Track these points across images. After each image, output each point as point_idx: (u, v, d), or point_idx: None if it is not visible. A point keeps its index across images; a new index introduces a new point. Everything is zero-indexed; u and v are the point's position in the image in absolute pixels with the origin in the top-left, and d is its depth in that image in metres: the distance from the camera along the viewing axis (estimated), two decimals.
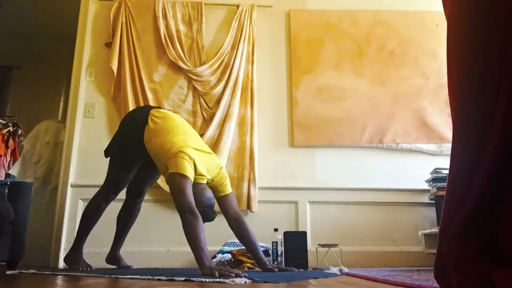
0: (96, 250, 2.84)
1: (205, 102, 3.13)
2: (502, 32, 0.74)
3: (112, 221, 2.91)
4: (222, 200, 2.23)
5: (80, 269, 2.21)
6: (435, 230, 2.65)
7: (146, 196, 2.97)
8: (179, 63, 3.14)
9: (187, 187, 1.91)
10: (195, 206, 1.89)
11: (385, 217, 3.05)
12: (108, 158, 2.36)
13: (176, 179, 1.93)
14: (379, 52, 3.35)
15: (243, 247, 2.62)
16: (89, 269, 2.23)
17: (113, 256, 2.46)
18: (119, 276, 1.79)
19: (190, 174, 1.95)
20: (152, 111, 2.24)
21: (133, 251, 2.86)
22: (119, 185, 2.35)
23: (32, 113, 4.25)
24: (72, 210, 2.92)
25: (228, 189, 2.24)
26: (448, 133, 3.14)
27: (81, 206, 2.94)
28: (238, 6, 3.35)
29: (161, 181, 2.94)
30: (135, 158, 2.31)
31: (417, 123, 3.20)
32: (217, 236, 2.85)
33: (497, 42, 0.75)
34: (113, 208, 2.93)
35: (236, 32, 3.28)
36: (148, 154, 2.20)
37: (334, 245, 2.72)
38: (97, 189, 2.95)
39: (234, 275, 1.67)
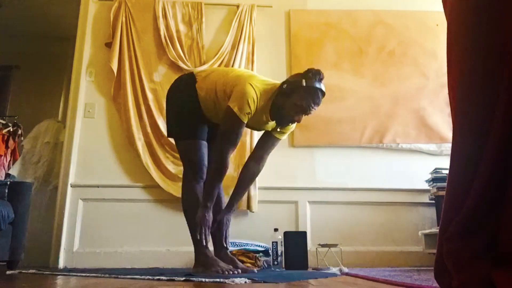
0: (96, 250, 2.85)
1: None
2: (503, 31, 0.74)
3: (113, 221, 2.92)
4: (269, 138, 2.16)
5: (226, 272, 1.83)
6: (435, 230, 2.65)
7: (146, 196, 2.98)
8: (179, 63, 3.14)
9: (233, 133, 1.91)
10: (228, 159, 1.91)
11: (385, 217, 3.04)
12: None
13: (231, 119, 1.89)
14: (379, 52, 3.35)
15: (243, 247, 2.63)
16: (234, 271, 1.86)
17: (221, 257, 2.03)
18: (119, 276, 1.79)
19: (246, 118, 1.90)
20: (195, 71, 2.22)
21: (133, 251, 2.86)
22: (198, 156, 2.05)
23: (32, 113, 4.25)
24: (72, 210, 2.92)
25: (284, 136, 2.19)
26: (448, 133, 3.13)
27: (81, 206, 2.95)
28: (238, 6, 3.35)
29: (161, 181, 2.94)
30: (199, 119, 2.11)
31: (417, 123, 3.20)
32: None
33: (498, 41, 0.75)
34: (115, 208, 2.95)
35: (236, 32, 3.28)
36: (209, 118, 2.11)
37: (334, 245, 2.71)
38: (97, 189, 2.98)
39: (227, 273, 1.70)
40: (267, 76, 3.25)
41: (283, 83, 1.98)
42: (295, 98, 1.93)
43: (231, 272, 1.83)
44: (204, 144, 2.08)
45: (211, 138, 2.11)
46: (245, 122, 1.92)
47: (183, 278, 1.58)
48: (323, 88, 1.95)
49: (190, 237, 2.00)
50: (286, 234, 2.62)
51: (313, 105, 1.95)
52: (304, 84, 1.91)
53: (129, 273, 1.97)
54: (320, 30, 3.38)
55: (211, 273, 1.83)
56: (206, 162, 2.05)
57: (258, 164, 2.18)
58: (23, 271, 2.15)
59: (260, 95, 1.93)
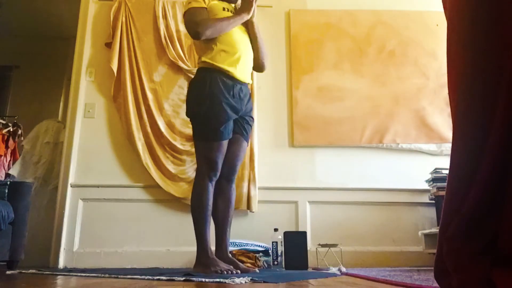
0: (96, 250, 2.85)
1: None
2: (502, 31, 0.74)
3: (113, 221, 2.92)
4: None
5: (225, 272, 1.83)
6: (435, 230, 2.65)
7: (146, 196, 2.98)
8: (179, 63, 3.14)
9: (198, 16, 2.04)
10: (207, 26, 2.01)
11: (385, 217, 3.04)
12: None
13: (188, 14, 2.07)
14: (379, 52, 3.35)
15: (243, 247, 2.63)
16: (234, 271, 1.86)
17: (224, 260, 2.02)
18: (119, 276, 1.79)
19: (200, 3, 2.08)
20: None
21: (133, 251, 2.86)
22: (218, 157, 2.05)
23: (32, 113, 4.25)
24: (72, 210, 2.92)
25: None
26: (448, 133, 3.13)
27: (81, 206, 2.95)
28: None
29: (161, 181, 2.94)
30: (226, 116, 2.05)
31: (417, 123, 3.20)
32: None
33: (497, 41, 0.75)
34: (115, 208, 2.95)
35: None
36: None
37: (334, 245, 2.71)
38: (97, 189, 2.98)
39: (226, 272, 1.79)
40: (267, 77, 3.28)
41: None
42: None
43: (230, 273, 1.83)
44: (226, 143, 2.07)
45: (235, 132, 2.12)
46: (199, 5, 2.08)
47: (183, 278, 1.58)
48: None
49: (192, 237, 2.01)
50: (286, 234, 2.62)
51: None
52: None
53: (129, 273, 1.97)
54: (320, 30, 3.38)
55: (210, 273, 1.84)
56: (222, 161, 2.05)
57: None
58: (23, 271, 2.15)
59: None
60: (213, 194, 2.04)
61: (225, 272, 1.82)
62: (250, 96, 2.23)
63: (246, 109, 2.16)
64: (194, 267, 1.97)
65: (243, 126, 2.15)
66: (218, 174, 2.04)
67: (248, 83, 2.18)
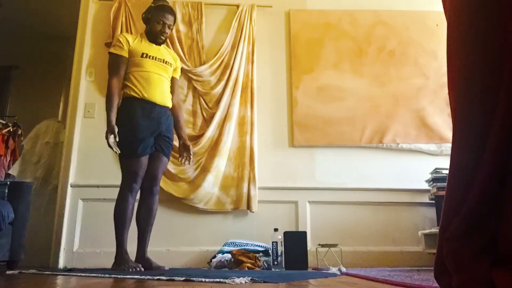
0: (96, 250, 2.85)
1: (205, 102, 3.13)
2: (502, 31, 0.74)
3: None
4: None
5: (131, 269, 2.14)
6: (435, 230, 2.65)
7: None
8: None
9: (114, 63, 2.34)
10: (117, 88, 2.30)
11: (385, 217, 3.05)
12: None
13: (109, 59, 2.36)
14: (379, 52, 3.35)
15: (243, 247, 2.63)
16: (138, 269, 2.16)
17: (141, 258, 2.34)
18: (119, 276, 1.80)
19: (119, 49, 2.33)
20: None
21: (134, 251, 2.85)
22: (138, 170, 2.34)
23: (32, 113, 4.24)
24: (72, 210, 2.92)
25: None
26: (448, 133, 3.14)
27: (81, 206, 2.95)
28: (238, 6, 3.35)
29: (161, 181, 2.93)
30: (144, 133, 2.35)
31: (417, 123, 3.20)
32: (217, 236, 2.86)
33: (497, 41, 0.75)
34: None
35: (236, 32, 3.28)
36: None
37: (334, 245, 2.72)
38: (97, 189, 2.99)
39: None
40: (267, 77, 3.28)
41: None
42: (152, 20, 2.47)
43: (136, 269, 2.14)
44: (145, 159, 2.34)
45: (156, 150, 2.38)
46: (119, 52, 2.33)
47: (183, 278, 1.58)
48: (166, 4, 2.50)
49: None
50: (286, 234, 2.62)
51: (166, 16, 2.46)
52: (153, 4, 2.49)
53: (129, 273, 1.98)
54: (320, 30, 3.38)
55: (121, 269, 2.16)
56: (143, 175, 2.34)
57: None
58: (23, 271, 2.15)
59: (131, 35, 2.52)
60: (138, 204, 2.40)
61: (131, 269, 2.13)
62: (169, 117, 2.46)
63: (163, 130, 2.40)
64: (112, 265, 2.26)
65: (162, 144, 2.41)
66: (139, 186, 2.34)
67: (167, 106, 2.45)
